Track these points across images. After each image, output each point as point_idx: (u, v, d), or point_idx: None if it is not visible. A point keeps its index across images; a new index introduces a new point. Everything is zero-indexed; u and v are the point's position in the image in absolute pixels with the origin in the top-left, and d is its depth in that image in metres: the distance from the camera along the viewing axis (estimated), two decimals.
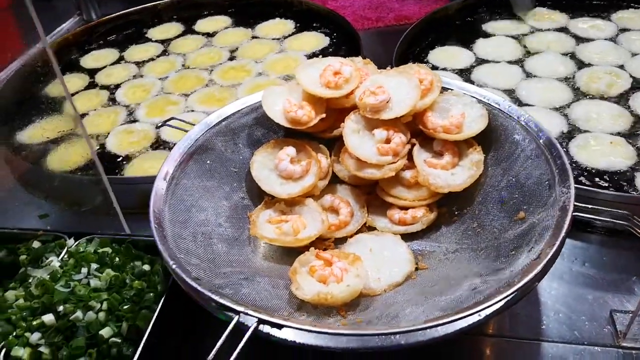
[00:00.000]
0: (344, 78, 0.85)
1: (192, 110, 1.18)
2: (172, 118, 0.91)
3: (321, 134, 0.87)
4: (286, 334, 0.55)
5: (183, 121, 0.90)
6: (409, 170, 0.81)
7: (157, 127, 0.91)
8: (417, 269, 0.72)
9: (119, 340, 0.65)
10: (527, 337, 0.71)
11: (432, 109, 0.83)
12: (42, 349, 0.65)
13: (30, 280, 0.73)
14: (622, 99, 1.06)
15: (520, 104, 1.08)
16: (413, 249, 0.75)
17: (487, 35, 1.32)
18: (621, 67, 1.13)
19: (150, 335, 0.64)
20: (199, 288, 0.58)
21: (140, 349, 0.63)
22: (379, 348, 0.54)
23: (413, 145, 0.82)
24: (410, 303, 0.63)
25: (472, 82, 1.16)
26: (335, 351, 0.54)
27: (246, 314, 0.54)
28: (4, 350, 0.65)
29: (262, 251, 0.78)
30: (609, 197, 0.80)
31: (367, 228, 0.81)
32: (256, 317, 0.54)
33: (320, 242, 0.78)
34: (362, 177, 0.80)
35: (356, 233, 0.79)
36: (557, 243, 0.58)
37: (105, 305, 0.68)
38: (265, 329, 0.55)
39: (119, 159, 1.08)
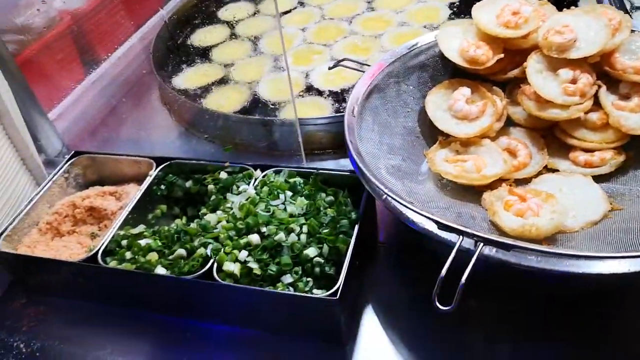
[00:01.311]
0: (524, 18, 0.83)
1: (335, 59, 1.20)
2: (345, 59, 0.93)
3: (495, 76, 0.87)
4: (510, 257, 0.56)
5: (356, 62, 0.92)
6: (594, 113, 0.79)
7: (330, 68, 0.93)
8: (612, 209, 0.71)
9: (322, 260, 0.69)
10: None
11: (619, 51, 0.80)
12: (250, 264, 0.70)
13: (228, 205, 0.79)
14: None
15: None
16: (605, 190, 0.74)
17: None
18: None
19: (352, 257, 0.68)
20: (418, 210, 0.60)
21: (344, 268, 0.66)
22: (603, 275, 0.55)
23: (600, 86, 0.80)
24: (612, 238, 0.63)
25: None
26: (564, 276, 0.55)
27: (472, 234, 0.56)
28: (216, 265, 0.71)
29: (437, 188, 0.79)
30: None
31: (548, 170, 0.80)
32: (482, 237, 0.56)
33: (500, 183, 0.78)
34: (546, 117, 0.79)
35: (536, 176, 0.79)
36: None
37: (305, 229, 0.72)
38: (487, 251, 0.56)
39: (272, 105, 1.13)
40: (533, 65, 0.81)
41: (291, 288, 0.68)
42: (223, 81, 1.23)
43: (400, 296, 0.76)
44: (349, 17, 1.36)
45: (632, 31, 0.82)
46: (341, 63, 0.92)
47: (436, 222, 0.58)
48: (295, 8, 1.45)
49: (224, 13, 1.50)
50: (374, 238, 0.84)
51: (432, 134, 0.85)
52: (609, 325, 0.70)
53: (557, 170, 0.79)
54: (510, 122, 0.85)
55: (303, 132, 0.95)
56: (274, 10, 1.45)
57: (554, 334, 0.68)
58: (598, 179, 0.76)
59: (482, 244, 0.55)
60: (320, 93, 1.13)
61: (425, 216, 0.59)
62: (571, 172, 0.77)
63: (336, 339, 0.70)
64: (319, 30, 1.33)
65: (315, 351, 0.70)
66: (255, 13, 1.48)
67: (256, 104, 1.13)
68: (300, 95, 1.14)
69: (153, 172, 0.88)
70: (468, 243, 0.57)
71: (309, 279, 0.69)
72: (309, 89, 1.15)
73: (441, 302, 0.54)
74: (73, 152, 0.94)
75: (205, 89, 1.20)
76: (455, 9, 1.31)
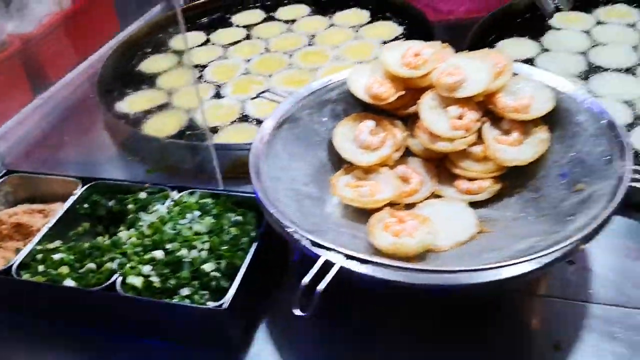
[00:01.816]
0: (423, 60, 0.92)
1: (272, 90, 1.28)
2: (267, 90, 1.01)
3: (398, 111, 0.95)
4: (367, 270, 0.63)
5: (276, 94, 1.00)
6: (478, 146, 0.87)
7: (252, 99, 1.00)
8: (481, 232, 0.79)
9: (219, 275, 0.76)
10: (575, 298, 0.77)
11: (503, 91, 0.89)
12: (152, 278, 0.76)
13: (140, 224, 0.85)
14: None
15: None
16: (478, 216, 0.82)
17: (553, 28, 1.35)
18: None
19: (245, 272, 0.74)
20: (295, 229, 0.67)
21: (236, 281, 0.73)
22: (448, 286, 0.62)
23: (484, 122, 0.88)
24: (472, 257, 0.71)
25: None
26: (407, 288, 0.62)
27: (335, 250, 0.63)
28: (120, 278, 0.77)
29: (339, 211, 0.87)
30: None
31: (435, 197, 0.88)
32: (343, 253, 0.63)
33: (392, 207, 0.85)
34: (435, 149, 0.87)
35: (422, 201, 0.87)
36: (613, 205, 0.65)
37: (207, 246, 0.78)
38: (350, 265, 0.63)
39: (211, 129, 1.20)
40: (426, 102, 0.89)
41: (188, 300, 0.74)
42: (164, 107, 1.30)
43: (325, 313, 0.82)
44: (291, 50, 1.45)
45: (515, 74, 0.91)
46: (262, 95, 1.00)
47: (308, 239, 0.65)
48: (244, 40, 1.54)
49: (175, 42, 1.58)
50: (284, 257, 0.90)
51: (339, 162, 0.92)
52: (482, 333, 0.77)
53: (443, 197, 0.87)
54: (410, 153, 0.93)
55: (227, 157, 1.02)
56: (225, 40, 1.55)
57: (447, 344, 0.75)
58: (477, 204, 0.84)
59: (343, 257, 0.63)
60: (259, 122, 1.19)
61: (298, 234, 0.66)
62: (453, 198, 0.85)
63: (228, 349, 0.76)
64: (261, 62, 1.42)
65: None
66: (205, 42, 1.56)
67: (191, 129, 1.20)
68: (234, 122, 1.21)
69: (78, 191, 0.94)
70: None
71: (205, 291, 0.75)
72: (244, 117, 1.22)
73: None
74: (5, 170, 1.00)
75: (146, 114, 1.27)
76: None
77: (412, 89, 0.94)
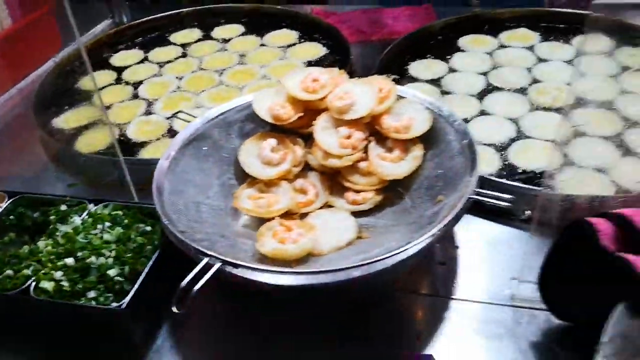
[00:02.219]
0: (320, 85, 1.03)
1: (202, 107, 1.38)
2: (180, 111, 1.11)
3: (300, 129, 1.06)
4: (242, 272, 0.73)
5: (188, 114, 1.09)
6: (364, 162, 0.98)
7: (167, 118, 1.10)
8: (360, 237, 0.90)
9: (122, 279, 0.85)
10: (442, 295, 0.89)
11: (388, 113, 1.01)
12: (63, 283, 0.85)
13: (57, 234, 0.94)
14: (563, 111, 1.21)
15: (482, 112, 1.25)
16: (361, 224, 0.93)
17: (461, 50, 1.48)
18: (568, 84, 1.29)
19: (145, 276, 0.84)
20: (182, 237, 0.77)
21: (136, 285, 0.82)
22: (309, 285, 0.73)
23: (370, 141, 1.00)
24: (346, 259, 0.81)
25: (446, 92, 1.33)
26: (273, 287, 0.72)
27: (213, 256, 0.73)
28: (34, 283, 0.85)
29: (243, 221, 0.97)
30: (506, 186, 0.99)
31: (329, 206, 0.98)
32: (220, 259, 0.73)
33: (289, 216, 0.96)
34: (327, 165, 0.98)
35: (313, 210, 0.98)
36: (455, 212, 0.76)
37: (113, 253, 0.87)
38: (227, 268, 0.73)
39: (136, 144, 1.29)
40: (320, 124, 1.00)
41: (93, 302, 0.83)
42: (98, 122, 1.38)
43: (215, 312, 0.91)
44: (222, 68, 1.55)
45: (401, 97, 1.03)
46: (176, 115, 1.10)
47: (191, 247, 0.75)
48: (179, 58, 1.63)
49: (115, 59, 1.66)
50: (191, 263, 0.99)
51: (244, 177, 1.02)
52: (363, 327, 0.87)
53: (334, 207, 0.97)
54: (310, 167, 1.04)
55: (142, 171, 1.09)
56: (162, 58, 1.64)
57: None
58: (362, 213, 0.95)
59: (219, 263, 0.73)
60: None
61: (184, 242, 0.76)
62: (341, 208, 0.96)
63: (130, 347, 0.85)
64: (192, 79, 1.51)
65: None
66: (143, 60, 1.65)
67: (123, 144, 1.29)
68: (160, 138, 1.30)
69: (3, 204, 1.02)
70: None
71: (109, 294, 0.84)
72: (173, 132, 1.31)
73: None
74: None
75: (80, 130, 1.35)
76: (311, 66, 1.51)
77: (312, 110, 1.04)
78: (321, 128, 1.00)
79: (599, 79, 1.31)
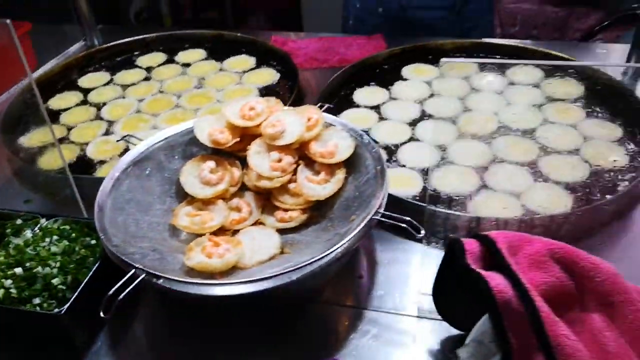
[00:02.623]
0: (256, 113, 1.14)
1: (157, 128, 1.48)
2: (127, 135, 1.21)
3: (238, 153, 1.16)
4: (164, 283, 0.83)
5: (135, 137, 1.19)
6: (293, 183, 1.09)
7: (117, 141, 1.20)
8: (282, 252, 1.00)
9: (64, 287, 0.94)
10: (356, 306, 0.99)
11: (316, 139, 1.12)
12: (11, 290, 0.94)
13: (10, 246, 1.03)
14: (487, 139, 1.33)
15: (412, 138, 1.37)
16: (286, 240, 1.03)
17: (404, 78, 1.60)
18: (495, 114, 1.41)
19: (85, 285, 0.93)
20: (113, 250, 0.87)
21: (77, 293, 0.92)
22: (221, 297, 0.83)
23: (298, 165, 1.10)
24: (262, 272, 0.91)
25: (383, 118, 1.45)
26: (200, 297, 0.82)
27: (139, 268, 0.83)
28: None
29: (182, 237, 1.06)
30: (410, 206, 1.11)
31: (260, 224, 1.09)
32: (144, 271, 0.83)
33: (223, 232, 1.06)
34: (260, 186, 1.09)
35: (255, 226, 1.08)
36: (354, 232, 0.87)
37: (58, 264, 0.97)
38: (151, 279, 0.83)
39: (95, 163, 1.38)
40: (254, 149, 1.11)
41: (38, 308, 0.92)
42: (61, 141, 1.48)
43: (155, 319, 1.01)
44: (181, 91, 1.65)
45: (331, 125, 1.14)
46: (124, 138, 1.20)
47: (120, 259, 0.85)
48: (143, 81, 1.74)
49: (82, 81, 1.76)
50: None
51: (185, 195, 1.12)
52: (283, 337, 0.97)
53: (264, 224, 1.08)
54: (246, 187, 1.14)
55: (94, 188, 1.19)
56: (126, 81, 1.74)
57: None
58: (290, 230, 1.06)
59: (144, 274, 0.82)
60: None
61: (115, 255, 0.86)
62: (270, 226, 1.06)
63: (70, 349, 0.94)
64: (152, 102, 1.61)
65: None
66: (108, 82, 1.75)
67: (82, 162, 1.39)
68: (117, 157, 1.40)
69: None
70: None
71: (52, 301, 0.93)
72: (126, 152, 1.41)
73: None
74: None
75: (44, 148, 1.45)
76: (263, 92, 1.63)
77: (249, 136, 1.15)
78: (255, 152, 1.10)
79: (523, 109, 1.43)
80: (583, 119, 1.38)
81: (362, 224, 0.89)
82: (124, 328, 0.99)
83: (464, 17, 1.96)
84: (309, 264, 0.84)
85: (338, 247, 0.86)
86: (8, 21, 0.91)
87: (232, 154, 1.16)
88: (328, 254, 0.85)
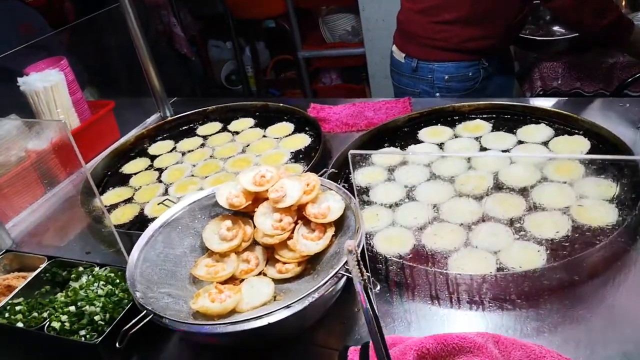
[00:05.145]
0: (266, 180, 1.36)
1: (203, 189, 1.75)
2: (166, 199, 1.48)
3: (251, 213, 1.38)
4: (168, 323, 1.05)
5: (171, 201, 1.46)
6: (291, 240, 1.28)
7: (158, 204, 1.48)
8: (275, 299, 1.19)
9: (103, 323, 1.20)
10: (333, 347, 1.15)
11: (314, 202, 1.31)
12: (65, 324, 1.21)
13: (70, 289, 1.32)
14: (480, 197, 1.44)
15: (409, 197, 1.51)
16: (282, 288, 1.22)
17: (419, 141, 1.75)
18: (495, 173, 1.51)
19: (119, 321, 1.18)
20: (134, 294, 1.11)
21: (110, 327, 1.17)
22: (214, 334, 1.03)
23: (296, 224, 1.30)
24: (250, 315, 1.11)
25: (393, 179, 1.61)
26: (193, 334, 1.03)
27: (147, 309, 1.06)
28: (47, 322, 1.22)
29: (202, 284, 1.29)
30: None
31: (264, 274, 1.29)
32: (152, 312, 1.05)
33: (233, 280, 1.27)
34: (264, 242, 1.29)
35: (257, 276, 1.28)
36: (322, 281, 1.04)
37: (101, 304, 1.23)
38: (157, 319, 1.06)
39: (150, 220, 1.67)
40: (260, 210, 1.32)
41: (83, 338, 1.18)
42: (129, 200, 1.80)
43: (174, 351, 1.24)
44: (228, 156, 1.92)
45: (328, 189, 1.33)
46: (162, 202, 1.47)
47: (138, 302, 1.09)
48: (199, 147, 2.04)
49: (152, 149, 2.10)
50: None
51: (207, 249, 1.35)
52: None
53: (266, 275, 1.27)
54: (257, 242, 1.35)
55: None
56: (186, 148, 2.05)
57: None
58: (287, 280, 1.24)
59: (151, 314, 1.05)
60: None
61: (134, 296, 1.10)
62: (271, 276, 1.26)
63: None
64: (204, 166, 1.89)
65: None
66: (172, 149, 2.07)
67: (141, 219, 1.68)
68: None
69: (42, 265, 1.42)
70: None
71: (94, 333, 1.19)
72: None
73: None
74: (4, 250, 1.50)
75: (115, 206, 1.77)
76: (295, 156, 1.85)
77: (261, 199, 1.37)
78: (261, 213, 1.32)
79: (523, 168, 1.52)
80: (582, 177, 1.44)
81: (327, 278, 1.06)
82: (150, 356, 1.22)
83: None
84: (270, 312, 1.02)
85: (299, 299, 1.04)
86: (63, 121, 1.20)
87: (246, 214, 1.39)
88: (291, 305, 1.02)
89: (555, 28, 2.63)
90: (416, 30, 2.13)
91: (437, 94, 2.16)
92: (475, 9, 1.97)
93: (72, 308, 1.24)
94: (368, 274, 1.05)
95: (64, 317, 1.22)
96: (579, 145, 1.58)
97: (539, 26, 2.65)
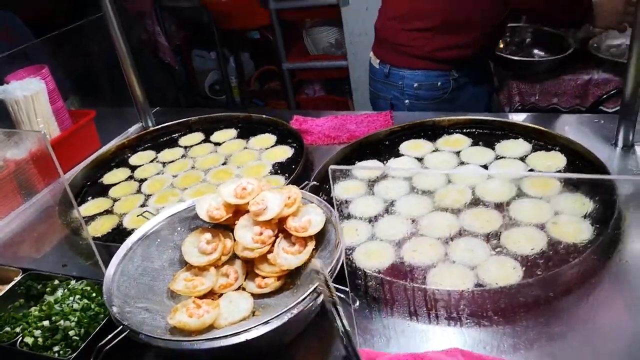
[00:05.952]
0: (247, 192, 1.35)
1: (183, 201, 1.74)
2: (146, 210, 1.46)
3: (232, 226, 1.37)
4: (144, 338, 1.04)
5: (151, 213, 1.44)
6: (271, 254, 1.28)
7: (137, 216, 1.47)
8: (253, 314, 1.18)
9: (78, 338, 1.17)
10: None
11: (295, 215, 1.31)
12: (39, 339, 1.19)
13: (44, 302, 1.29)
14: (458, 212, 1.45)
15: (388, 211, 1.52)
16: (261, 303, 1.21)
17: (399, 154, 1.77)
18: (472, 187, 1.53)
19: (94, 336, 1.16)
20: (110, 309, 1.09)
21: (84, 343, 1.15)
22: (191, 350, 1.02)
23: (277, 237, 1.29)
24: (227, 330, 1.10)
25: (373, 193, 1.61)
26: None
27: (124, 325, 1.04)
28: (20, 337, 1.20)
29: (180, 299, 1.28)
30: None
31: (243, 288, 1.28)
32: (129, 328, 1.04)
33: (212, 295, 1.26)
34: (243, 256, 1.29)
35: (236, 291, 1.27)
36: (300, 298, 1.04)
37: (76, 319, 1.21)
38: (133, 335, 1.04)
39: (129, 232, 1.65)
40: (241, 223, 1.31)
41: (57, 354, 1.16)
42: (107, 211, 1.78)
43: None
44: (209, 168, 1.91)
45: (310, 202, 1.33)
46: (141, 215, 1.45)
47: (114, 317, 1.07)
48: (180, 158, 2.02)
49: (132, 159, 2.08)
50: None
51: (186, 262, 1.34)
52: None
53: (245, 289, 1.27)
54: (237, 256, 1.34)
55: None
56: (167, 159, 2.03)
57: None
58: (266, 295, 1.23)
59: (128, 330, 1.04)
60: None
61: (109, 310, 1.08)
62: (250, 291, 1.25)
63: None
64: (184, 178, 1.88)
65: None
66: (153, 160, 2.05)
67: (118, 231, 1.66)
68: None
69: (17, 278, 1.39)
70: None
71: (69, 349, 1.17)
72: None
73: None
74: None
75: (92, 217, 1.75)
76: (277, 167, 1.85)
77: (242, 211, 1.36)
78: (241, 226, 1.31)
79: (500, 183, 1.53)
80: (557, 193, 1.46)
81: (306, 294, 1.06)
82: None
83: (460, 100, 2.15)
84: (249, 329, 1.02)
85: (278, 315, 1.03)
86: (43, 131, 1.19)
87: (227, 227, 1.38)
88: (269, 321, 1.02)
89: (535, 51, 2.70)
90: (390, 37, 2.17)
91: (407, 101, 2.18)
92: (447, 18, 2.01)
93: (46, 323, 1.21)
94: (347, 289, 1.06)
95: (37, 332, 1.20)
96: (555, 161, 1.61)
97: (520, 48, 2.72)
